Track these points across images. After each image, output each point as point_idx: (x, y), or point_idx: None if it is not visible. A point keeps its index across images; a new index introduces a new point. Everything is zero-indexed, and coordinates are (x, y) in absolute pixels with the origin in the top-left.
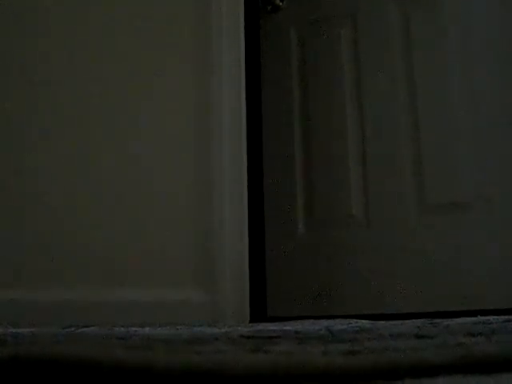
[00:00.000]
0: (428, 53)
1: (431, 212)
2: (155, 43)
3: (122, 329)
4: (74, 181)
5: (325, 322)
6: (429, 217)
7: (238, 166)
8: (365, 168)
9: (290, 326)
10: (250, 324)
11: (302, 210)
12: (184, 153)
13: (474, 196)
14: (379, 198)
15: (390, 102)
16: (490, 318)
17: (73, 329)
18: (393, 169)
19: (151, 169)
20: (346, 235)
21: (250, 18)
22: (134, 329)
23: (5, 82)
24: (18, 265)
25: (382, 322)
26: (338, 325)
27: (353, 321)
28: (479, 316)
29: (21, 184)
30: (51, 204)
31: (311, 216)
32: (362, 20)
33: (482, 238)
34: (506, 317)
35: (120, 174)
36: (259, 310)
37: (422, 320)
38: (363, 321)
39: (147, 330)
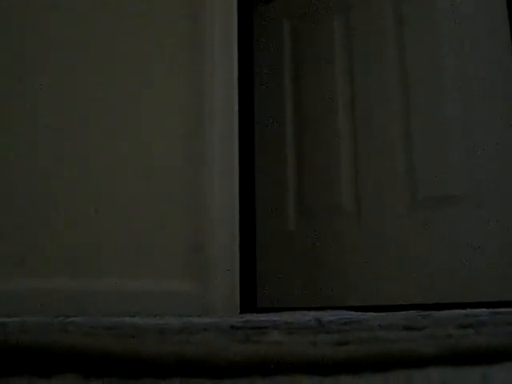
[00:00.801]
0: (421, 46)
1: (422, 205)
2: (149, 36)
3: (112, 318)
4: (72, 171)
5: (314, 314)
6: (420, 210)
7: (229, 158)
8: (356, 161)
9: (279, 317)
10: (240, 315)
11: (292, 202)
12: (175, 146)
13: (466, 189)
14: (370, 191)
15: (382, 95)
16: (480, 310)
17: (63, 318)
18: (384, 162)
19: (143, 160)
20: (336, 228)
21: (243, 9)
22: (123, 318)
23: (4, 80)
24: (12, 255)
25: (372, 314)
26: (328, 316)
27: (342, 312)
28: (468, 309)
29: (19, 177)
30: (50, 197)
31: (302, 208)
32: (355, 12)
33: (472, 231)
34: (495, 309)
35: (113, 166)
36: (249, 302)
37: (411, 312)
38: (352, 312)
39: (137, 319)
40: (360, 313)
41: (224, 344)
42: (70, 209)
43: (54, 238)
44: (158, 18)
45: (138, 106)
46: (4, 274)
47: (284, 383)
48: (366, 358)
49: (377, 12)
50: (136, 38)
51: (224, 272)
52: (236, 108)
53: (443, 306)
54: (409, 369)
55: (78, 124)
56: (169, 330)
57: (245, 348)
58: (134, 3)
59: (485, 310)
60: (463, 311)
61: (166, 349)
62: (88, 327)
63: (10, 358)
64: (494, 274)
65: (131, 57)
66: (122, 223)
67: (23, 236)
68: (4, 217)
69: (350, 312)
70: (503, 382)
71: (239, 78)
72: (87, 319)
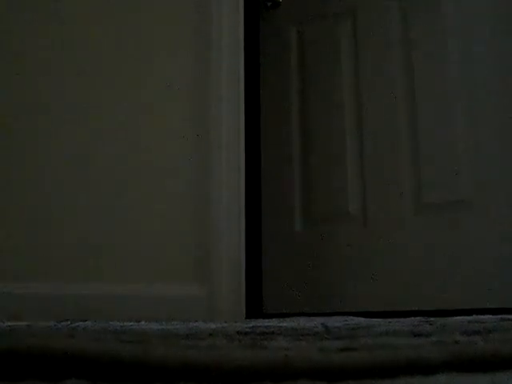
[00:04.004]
0: (427, 50)
1: (428, 210)
2: (156, 37)
3: (118, 323)
4: (73, 174)
5: (321, 319)
6: (426, 215)
7: (235, 164)
8: (363, 166)
9: (286, 323)
10: (246, 320)
11: (299, 207)
12: (183, 151)
13: (472, 195)
14: (377, 196)
15: (388, 100)
16: (486, 316)
17: (68, 323)
18: (390, 167)
19: (151, 165)
20: (342, 233)
21: (249, 14)
22: (129, 323)
23: (6, 78)
24: (17, 258)
25: (378, 320)
26: (334, 322)
27: (349, 318)
28: (475, 315)
29: (21, 180)
30: (51, 200)
31: (308, 214)
32: (361, 16)
33: (478, 237)
34: (502, 316)
35: (119, 170)
36: (255, 307)
37: (417, 318)
38: (359, 318)
39: (143, 324)
40: (366, 318)
41: (231, 350)
42: (81, 214)
43: (64, 243)
44: (163, 21)
45: (152, 121)
46: (13, 277)
47: None
48: (373, 365)
49: (383, 15)
50: (144, 57)
51: (230, 277)
52: (242, 113)
53: (449, 312)
54: (416, 375)
55: (91, 136)
56: (176, 336)
57: (251, 354)
58: (139, 25)
59: (491, 316)
60: (470, 318)
61: (173, 354)
62: (95, 332)
63: (19, 362)
64: (500, 280)
65: (140, 61)
66: (132, 229)
67: (34, 240)
68: (16, 222)
69: (356, 318)
70: None
71: (246, 83)
72: (94, 324)
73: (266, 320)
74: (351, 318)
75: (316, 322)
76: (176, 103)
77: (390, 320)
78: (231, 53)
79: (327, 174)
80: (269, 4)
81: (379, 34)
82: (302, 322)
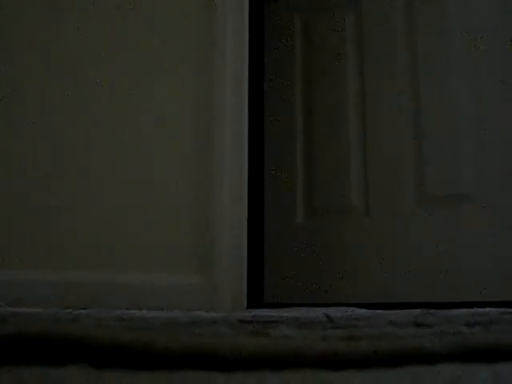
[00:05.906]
0: (432, 39)
1: (431, 203)
2: (159, 32)
3: (120, 311)
4: (73, 163)
5: (322, 309)
6: (429, 207)
7: (238, 155)
8: (365, 158)
9: (287, 312)
10: (247, 310)
11: (301, 197)
12: (184, 143)
13: (475, 187)
14: (379, 188)
15: (392, 91)
16: (487, 309)
17: (71, 310)
18: (393, 159)
19: (151, 154)
20: (345, 224)
21: (254, 4)
22: (131, 311)
23: (13, 74)
24: (18, 246)
25: (380, 311)
26: (337, 312)
27: (350, 309)
28: (476, 308)
29: (20, 167)
30: (51, 188)
31: (310, 204)
32: (366, 6)
33: (480, 230)
34: (503, 309)
35: (119, 159)
36: (256, 297)
37: (419, 310)
38: (360, 309)
39: (145, 312)
40: (367, 310)
41: (234, 338)
42: (81, 203)
43: (64, 231)
44: (168, 20)
45: (152, 117)
46: (13, 264)
47: (293, 377)
48: (376, 354)
49: (388, 4)
50: (147, 47)
51: (231, 267)
52: (246, 103)
53: (450, 304)
54: (419, 365)
55: (96, 129)
56: (179, 323)
57: (254, 342)
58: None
59: (492, 309)
60: (471, 310)
61: (177, 341)
62: (99, 319)
63: (23, 347)
64: (502, 274)
65: (140, 58)
66: (134, 217)
67: (34, 228)
68: (16, 210)
69: (358, 309)
70: None
71: (249, 74)
72: (96, 311)
73: (267, 310)
74: (352, 308)
75: (318, 312)
76: (179, 103)
77: (392, 311)
78: (236, 43)
79: (330, 164)
80: None
81: (384, 23)
82: (304, 312)
